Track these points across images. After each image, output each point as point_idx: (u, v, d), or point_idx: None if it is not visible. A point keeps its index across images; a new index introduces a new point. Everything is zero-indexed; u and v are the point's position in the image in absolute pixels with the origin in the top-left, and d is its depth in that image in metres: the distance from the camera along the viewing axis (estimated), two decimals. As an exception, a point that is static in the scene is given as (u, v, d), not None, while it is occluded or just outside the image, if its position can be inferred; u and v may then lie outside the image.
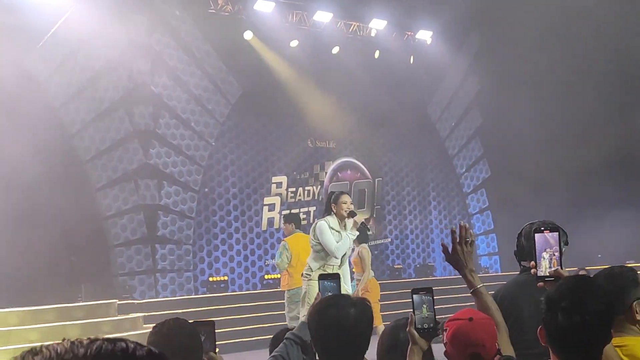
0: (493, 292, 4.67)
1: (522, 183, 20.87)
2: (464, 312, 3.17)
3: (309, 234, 9.17)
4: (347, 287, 8.73)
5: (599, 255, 18.22)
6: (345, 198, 8.78)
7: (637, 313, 3.36)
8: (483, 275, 20.71)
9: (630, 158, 24.90)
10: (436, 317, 3.27)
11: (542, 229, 3.35)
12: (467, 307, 3.29)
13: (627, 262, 22.11)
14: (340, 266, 8.69)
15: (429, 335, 3.23)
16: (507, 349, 3.30)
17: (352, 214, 8.69)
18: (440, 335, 3.21)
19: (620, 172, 23.39)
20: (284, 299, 11.59)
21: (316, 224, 8.76)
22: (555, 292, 2.67)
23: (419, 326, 3.21)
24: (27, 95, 14.83)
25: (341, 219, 8.68)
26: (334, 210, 8.70)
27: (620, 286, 3.27)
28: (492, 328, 3.13)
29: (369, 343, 3.22)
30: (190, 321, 3.58)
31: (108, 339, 1.19)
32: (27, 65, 15.41)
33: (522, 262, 4.61)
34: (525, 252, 4.51)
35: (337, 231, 8.62)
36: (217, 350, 3.42)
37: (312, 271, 8.68)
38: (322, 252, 8.66)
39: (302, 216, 16.74)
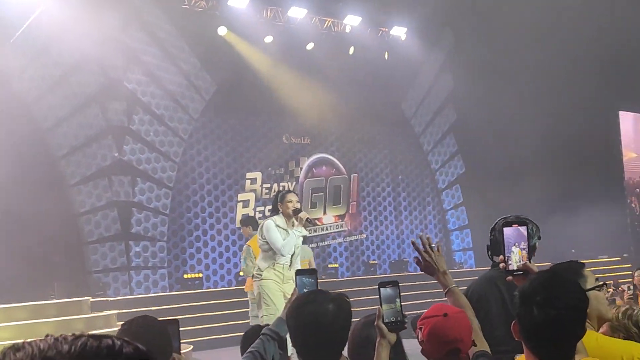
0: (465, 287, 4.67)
1: (497, 179, 20.98)
2: (436, 309, 3.17)
3: None
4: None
5: (573, 250, 18.34)
6: (291, 197, 8.78)
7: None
8: (457, 271, 20.86)
9: (603, 154, 25.14)
10: (403, 310, 3.27)
11: (511, 222, 3.35)
12: (438, 303, 3.29)
13: (600, 256, 22.37)
14: (290, 267, 8.65)
15: (396, 328, 3.24)
16: (483, 345, 3.30)
17: (297, 212, 8.69)
18: (413, 332, 3.21)
19: (594, 168, 23.62)
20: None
21: (263, 223, 8.74)
22: (529, 287, 2.66)
23: (387, 320, 3.22)
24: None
25: (287, 217, 8.66)
26: (281, 210, 8.69)
27: None
28: (467, 322, 3.14)
29: (347, 339, 3.22)
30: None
31: (93, 336, 1.15)
32: (-1, 61, 15.27)
33: (494, 257, 4.58)
34: (497, 247, 4.50)
35: (284, 229, 8.60)
36: (181, 350, 3.37)
37: (261, 271, 8.64)
38: (270, 252, 8.61)
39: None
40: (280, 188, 19.90)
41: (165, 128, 17.97)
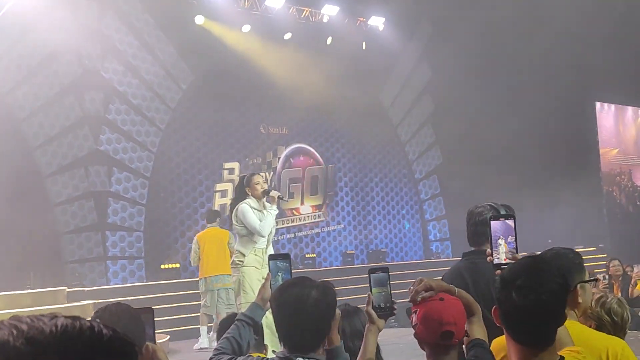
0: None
1: (474, 169, 21.04)
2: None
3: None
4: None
5: (549, 241, 18.45)
6: (257, 178, 8.80)
7: (579, 296, 3.40)
8: (435, 261, 20.94)
9: (580, 145, 25.29)
10: (392, 297, 3.29)
11: (499, 216, 3.36)
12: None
13: (576, 247, 22.49)
14: (266, 248, 8.67)
15: (386, 314, 3.25)
16: (481, 335, 3.30)
17: (266, 192, 8.71)
18: (408, 319, 3.22)
19: (570, 158, 23.77)
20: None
21: (237, 208, 8.68)
22: (509, 271, 2.67)
23: (377, 305, 3.23)
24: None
25: (258, 198, 8.67)
26: (249, 193, 8.68)
27: (566, 266, 3.27)
28: (461, 307, 3.16)
29: (329, 327, 3.23)
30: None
31: (69, 317, 1.12)
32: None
33: (473, 247, 4.57)
34: (477, 238, 4.47)
35: (258, 210, 8.61)
36: (156, 339, 3.36)
37: (244, 257, 8.61)
38: (248, 236, 8.61)
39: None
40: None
41: (142, 118, 17.89)
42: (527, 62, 21.26)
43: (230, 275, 10.30)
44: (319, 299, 3.15)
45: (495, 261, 3.26)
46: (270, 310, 3.37)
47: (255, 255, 8.58)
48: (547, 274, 2.62)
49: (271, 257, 3.76)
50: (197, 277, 13.56)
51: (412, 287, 3.16)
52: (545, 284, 2.58)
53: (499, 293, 2.65)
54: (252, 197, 8.69)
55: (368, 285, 3.29)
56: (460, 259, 4.63)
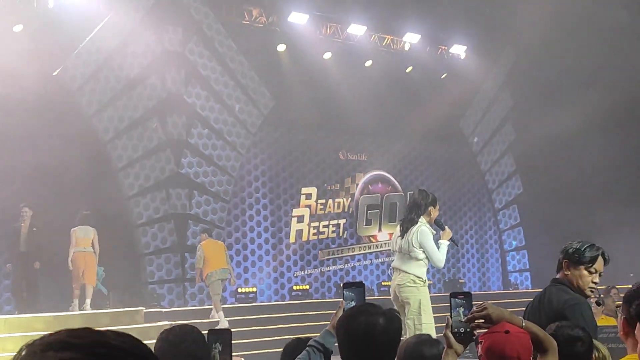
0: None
1: (556, 200, 20.68)
2: (500, 326, 3.13)
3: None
4: None
5: (631, 275, 17.98)
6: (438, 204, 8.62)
7: None
8: (513, 292, 20.61)
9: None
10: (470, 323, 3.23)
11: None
12: (504, 321, 3.24)
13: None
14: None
15: (464, 339, 3.19)
16: None
17: (440, 224, 8.62)
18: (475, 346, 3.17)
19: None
20: (304, 309, 12.05)
21: (419, 229, 8.45)
22: (634, 291, 3.08)
23: (455, 330, 3.18)
24: (61, 102, 14.97)
25: (432, 224, 8.55)
26: (428, 215, 8.55)
27: None
28: (527, 341, 3.09)
29: (395, 354, 3.20)
30: (205, 330, 3.55)
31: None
32: (61, 73, 15.55)
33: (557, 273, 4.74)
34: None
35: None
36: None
37: (423, 279, 8.55)
38: (424, 260, 8.49)
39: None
40: (336, 204, 19.87)
41: (223, 142, 18.09)
42: (615, 88, 20.68)
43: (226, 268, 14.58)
44: (387, 327, 3.13)
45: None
46: None
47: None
48: None
49: (345, 286, 3.75)
50: (273, 302, 13.62)
51: (474, 309, 3.12)
52: None
53: (623, 306, 3.12)
54: (426, 220, 8.48)
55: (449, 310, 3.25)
56: (540, 290, 4.67)
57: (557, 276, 4.72)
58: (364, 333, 3.11)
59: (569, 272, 4.64)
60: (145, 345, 1.19)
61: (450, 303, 3.24)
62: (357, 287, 3.71)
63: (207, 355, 3.26)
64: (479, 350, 3.08)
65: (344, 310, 3.60)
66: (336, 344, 3.38)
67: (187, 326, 3.54)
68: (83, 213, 13.98)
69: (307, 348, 3.61)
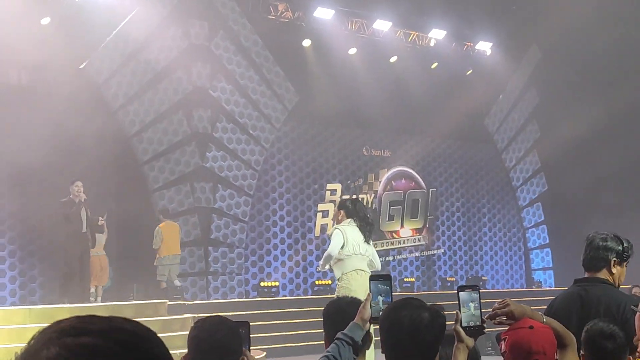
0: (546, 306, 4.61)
1: (580, 198, 20.57)
2: (523, 321, 3.14)
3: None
4: None
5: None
6: None
7: None
8: (536, 290, 20.53)
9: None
10: (482, 315, 3.23)
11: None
12: (525, 317, 3.24)
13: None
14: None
15: (475, 333, 3.18)
16: None
17: None
18: (498, 344, 3.18)
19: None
20: (325, 304, 12.06)
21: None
22: None
23: (465, 324, 3.18)
24: (87, 95, 15.06)
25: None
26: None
27: None
28: (551, 336, 3.10)
29: (437, 351, 3.17)
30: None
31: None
32: (88, 66, 15.67)
33: (585, 272, 4.48)
34: (593, 261, 4.43)
35: None
36: (251, 351, 3.45)
37: None
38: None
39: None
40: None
41: (248, 136, 18.15)
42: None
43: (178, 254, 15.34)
44: (432, 322, 3.10)
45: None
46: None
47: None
48: None
49: (372, 279, 3.74)
50: (295, 296, 13.62)
51: (496, 305, 3.13)
52: None
53: None
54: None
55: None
56: (566, 288, 4.57)
57: (598, 275, 4.40)
58: (409, 326, 3.06)
59: (615, 271, 4.40)
60: (152, 330, 1.20)
61: (459, 297, 3.25)
62: (384, 279, 3.71)
63: (240, 346, 3.33)
64: (503, 346, 3.09)
65: (370, 304, 3.60)
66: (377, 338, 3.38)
67: (222, 317, 3.61)
68: (98, 224, 13.90)
69: (336, 341, 3.62)
